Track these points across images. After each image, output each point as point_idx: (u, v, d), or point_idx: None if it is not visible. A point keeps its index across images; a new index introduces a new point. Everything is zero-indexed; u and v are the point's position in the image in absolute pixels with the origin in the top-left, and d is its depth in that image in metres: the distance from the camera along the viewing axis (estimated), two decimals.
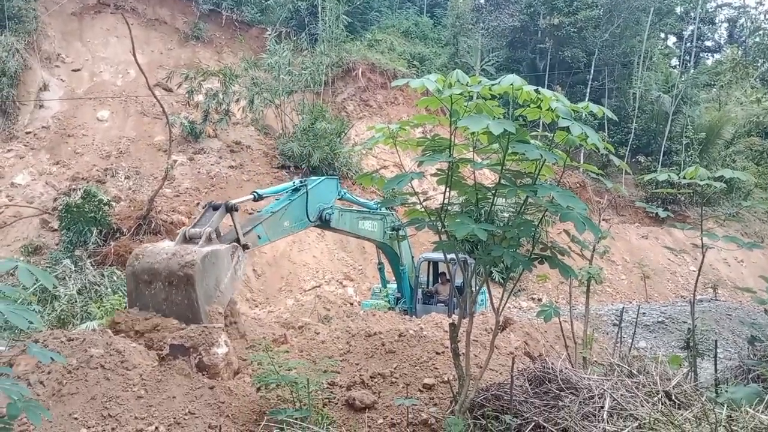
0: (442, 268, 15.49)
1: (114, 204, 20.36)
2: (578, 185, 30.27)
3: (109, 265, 17.81)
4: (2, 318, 3.32)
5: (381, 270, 16.01)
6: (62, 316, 14.70)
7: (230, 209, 10.08)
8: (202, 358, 6.51)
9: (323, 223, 12.52)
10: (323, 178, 13.10)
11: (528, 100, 4.84)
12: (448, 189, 5.21)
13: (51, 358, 3.99)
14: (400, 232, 13.75)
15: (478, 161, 5.21)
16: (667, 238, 29.88)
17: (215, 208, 9.83)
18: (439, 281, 15.41)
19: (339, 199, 13.64)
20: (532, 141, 4.98)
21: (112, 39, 30.21)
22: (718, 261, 28.78)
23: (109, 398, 5.63)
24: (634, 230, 30.40)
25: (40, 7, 28.65)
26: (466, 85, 4.73)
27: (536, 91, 4.65)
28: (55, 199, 20.98)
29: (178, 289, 7.69)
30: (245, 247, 9.93)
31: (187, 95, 26.32)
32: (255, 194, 11.44)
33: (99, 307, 14.63)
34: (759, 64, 26.56)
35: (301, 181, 12.50)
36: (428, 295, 14.96)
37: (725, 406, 4.21)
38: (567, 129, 4.61)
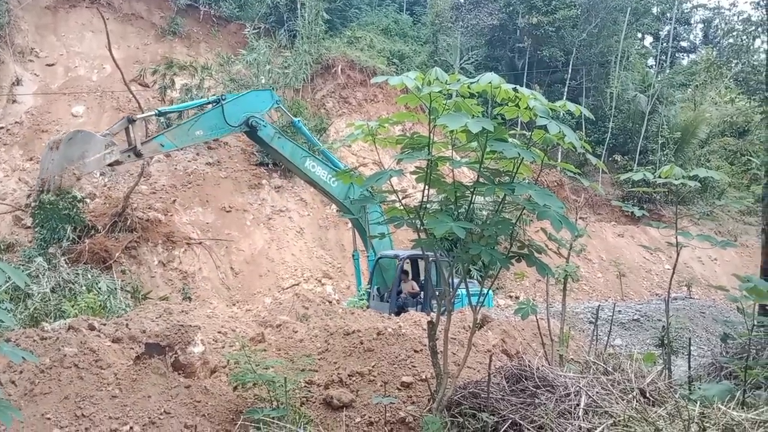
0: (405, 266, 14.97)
1: (89, 201, 20.06)
2: (556, 184, 30.51)
3: (84, 263, 17.54)
4: None
5: (356, 260, 15.60)
6: (35, 315, 14.45)
7: (130, 121, 12.86)
8: (178, 357, 6.45)
9: (250, 130, 13.29)
10: (251, 90, 14.68)
11: (506, 98, 4.86)
12: (427, 187, 5.21)
13: (23, 357, 3.92)
14: (382, 230, 13.67)
15: (457, 159, 5.22)
16: (642, 237, 30.25)
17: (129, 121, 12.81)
18: (401, 279, 14.53)
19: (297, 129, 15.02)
20: (510, 139, 5.00)
21: (88, 33, 29.73)
22: (693, 259, 29.20)
23: (83, 398, 5.55)
24: (611, 229, 30.72)
25: (12, 0, 28.12)
26: (445, 83, 4.74)
27: (514, 89, 4.67)
28: (29, 196, 20.61)
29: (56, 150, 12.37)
30: (138, 154, 12.71)
31: (159, 91, 26.01)
32: (157, 111, 14.58)
33: (73, 306, 14.41)
34: (733, 65, 26.96)
35: (220, 97, 13.49)
36: (385, 294, 14.38)
37: (698, 403, 4.26)
38: (545, 127, 4.64)
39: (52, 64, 27.87)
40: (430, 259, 12.32)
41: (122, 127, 12.84)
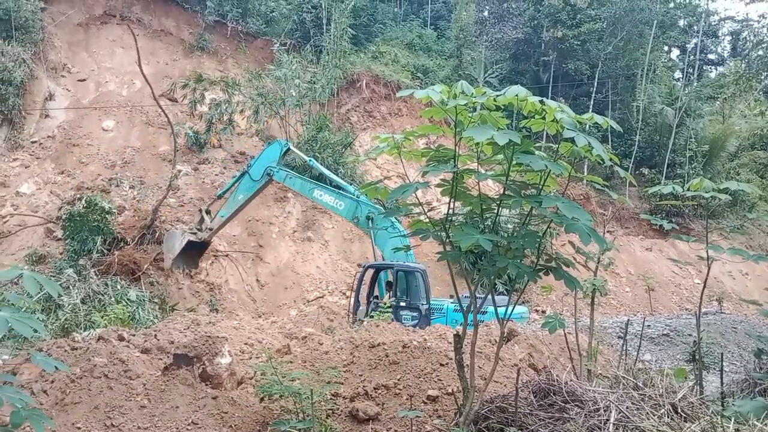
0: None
1: (118, 213, 20.40)
2: (582, 197, 30.22)
3: (113, 275, 17.81)
4: (7, 326, 3.31)
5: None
6: (66, 325, 14.69)
7: (205, 211, 18.35)
8: (205, 368, 6.50)
9: (270, 179, 16.76)
10: (265, 148, 18.19)
11: (532, 111, 4.85)
12: (452, 200, 5.21)
13: (55, 366, 3.99)
14: (403, 243, 13.84)
15: (483, 172, 5.21)
16: (671, 251, 29.78)
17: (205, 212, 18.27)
18: (388, 290, 15.08)
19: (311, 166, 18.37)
20: (536, 152, 4.98)
21: (118, 49, 30.37)
22: (723, 274, 28.65)
23: (112, 408, 5.62)
24: (639, 242, 30.31)
25: (47, 17, 28.84)
26: (471, 95, 4.74)
27: (541, 102, 4.65)
28: (60, 208, 21.03)
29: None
30: (210, 229, 17.99)
31: (190, 105, 26.42)
32: (217, 195, 18.90)
33: (103, 317, 14.62)
34: (762, 77, 26.56)
35: (247, 167, 17.54)
36: (375, 304, 14.75)
37: (732, 419, 4.18)
38: (572, 140, 4.62)
39: (84, 80, 28.49)
40: (396, 268, 13.99)
41: (199, 216, 18.74)
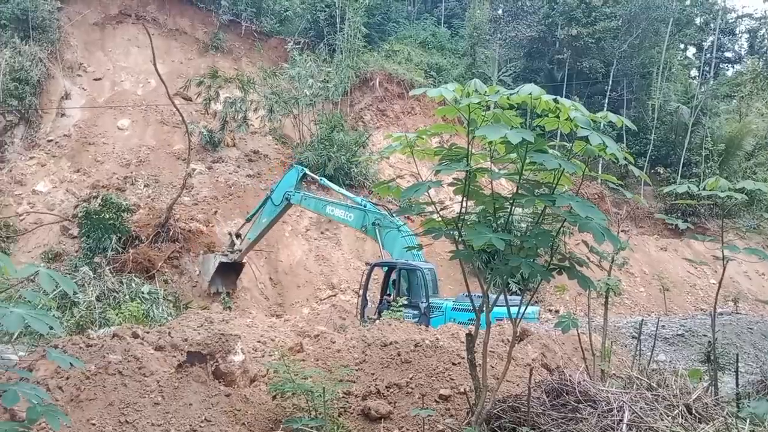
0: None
1: (133, 211, 20.56)
2: (596, 196, 30.02)
3: (128, 273, 17.95)
4: (23, 323, 3.35)
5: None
6: (81, 323, 14.83)
7: (236, 235, 19.69)
8: (218, 366, 6.53)
9: (288, 202, 17.79)
10: (284, 174, 19.40)
11: (546, 109, 4.82)
12: (465, 198, 5.19)
13: (70, 363, 4.03)
14: (413, 242, 14.04)
15: (496, 171, 5.19)
16: (686, 251, 29.51)
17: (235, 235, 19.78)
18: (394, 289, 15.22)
19: (323, 186, 19.74)
20: (550, 151, 4.95)
21: (133, 49, 30.59)
22: (739, 274, 28.35)
23: (127, 404, 5.66)
24: (653, 242, 30.08)
25: (63, 17, 29.11)
26: (484, 94, 4.71)
27: (555, 100, 4.62)
28: (76, 207, 21.22)
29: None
30: (239, 250, 19.12)
31: (204, 103, 26.54)
32: (246, 218, 19.67)
33: (117, 314, 14.75)
34: None
35: (269, 193, 18.58)
36: (386, 303, 14.80)
37: (747, 420, 4.14)
38: (586, 139, 4.58)
39: (99, 79, 28.73)
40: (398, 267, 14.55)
41: (230, 240, 19.87)
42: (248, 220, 19.51)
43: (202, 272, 19.62)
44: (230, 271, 19.65)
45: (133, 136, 26.39)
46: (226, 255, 19.30)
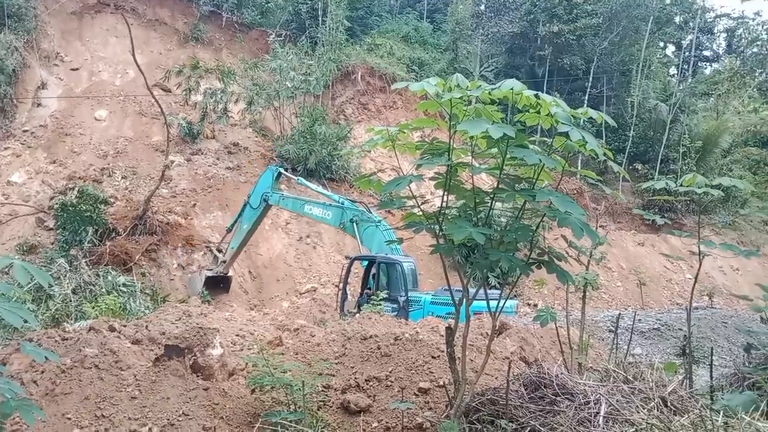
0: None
1: (110, 203, 20.31)
2: (575, 192, 30.30)
3: (105, 265, 17.76)
4: None
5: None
6: (56, 316, 14.64)
7: (217, 250, 19.99)
8: (196, 359, 6.47)
9: (267, 204, 17.73)
10: (261, 176, 19.07)
11: (527, 105, 4.84)
12: (446, 193, 5.20)
13: (45, 357, 3.97)
14: (392, 236, 14.10)
15: (477, 165, 5.20)
16: (663, 246, 29.90)
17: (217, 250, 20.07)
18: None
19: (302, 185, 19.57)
20: (530, 146, 4.97)
21: (112, 39, 30.16)
22: (714, 269, 28.80)
23: (103, 398, 5.60)
24: (631, 237, 30.42)
25: (40, 5, 28.60)
26: (466, 89, 4.72)
27: (536, 96, 4.64)
28: (51, 198, 20.91)
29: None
30: (223, 261, 19.19)
31: (184, 94, 26.25)
32: (227, 229, 19.62)
33: (93, 307, 14.58)
34: (756, 74, 26.64)
35: (247, 199, 18.42)
36: (366, 297, 14.92)
37: (721, 412, 4.20)
38: (566, 134, 4.61)
39: (77, 69, 28.30)
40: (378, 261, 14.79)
41: (212, 256, 20.01)
42: (229, 230, 19.46)
43: (191, 291, 19.23)
44: (217, 286, 19.63)
45: (110, 127, 26.04)
46: (211, 269, 19.28)
